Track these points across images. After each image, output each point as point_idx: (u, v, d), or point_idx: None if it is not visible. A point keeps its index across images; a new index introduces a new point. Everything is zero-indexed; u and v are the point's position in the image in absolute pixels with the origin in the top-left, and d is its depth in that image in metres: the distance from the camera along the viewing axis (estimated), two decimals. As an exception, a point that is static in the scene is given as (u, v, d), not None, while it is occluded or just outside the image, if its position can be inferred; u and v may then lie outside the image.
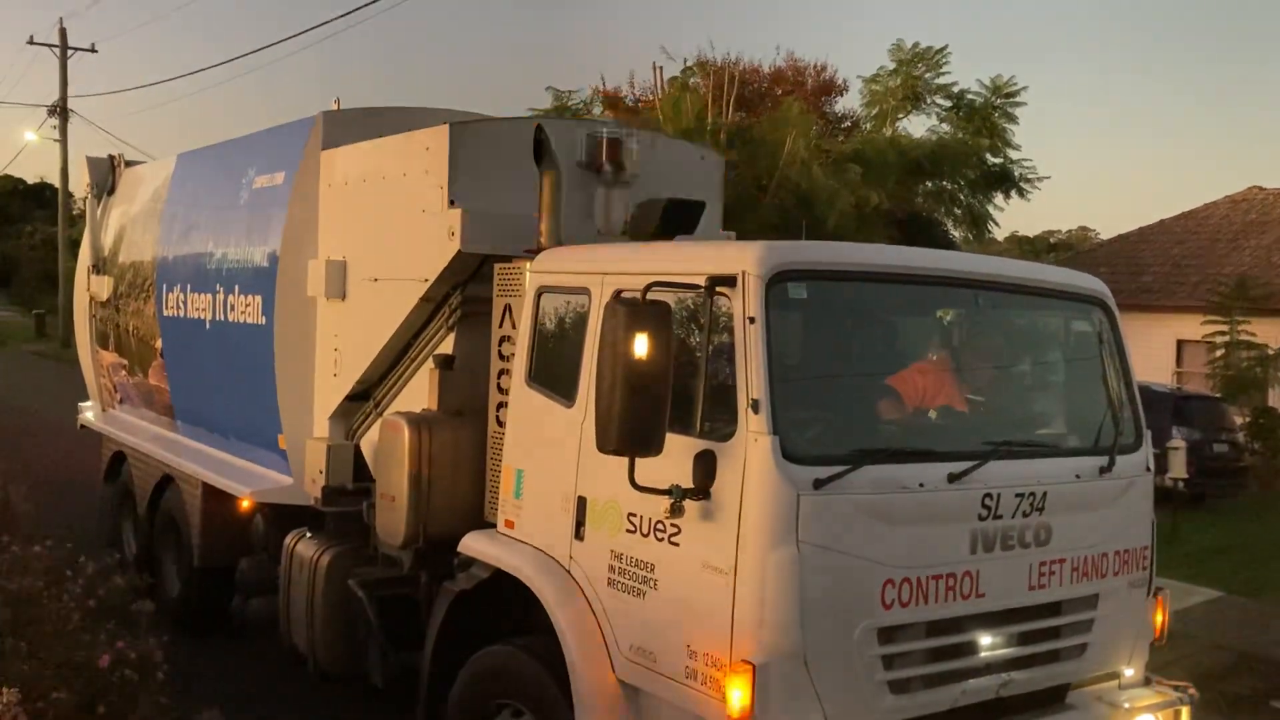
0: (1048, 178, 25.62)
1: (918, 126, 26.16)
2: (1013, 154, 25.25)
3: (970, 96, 25.08)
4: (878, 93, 26.16)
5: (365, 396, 7.64)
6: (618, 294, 5.16)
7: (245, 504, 8.33)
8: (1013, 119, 25.04)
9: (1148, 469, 5.65)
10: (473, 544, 5.85)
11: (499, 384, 6.27)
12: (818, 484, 4.45)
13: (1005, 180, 25.74)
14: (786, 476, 4.40)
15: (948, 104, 25.41)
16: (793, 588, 4.38)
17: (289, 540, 7.64)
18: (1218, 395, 20.58)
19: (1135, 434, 5.67)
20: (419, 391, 7.06)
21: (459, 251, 6.46)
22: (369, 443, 7.58)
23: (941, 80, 25.16)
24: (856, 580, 4.54)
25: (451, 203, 6.56)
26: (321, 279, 7.66)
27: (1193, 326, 22.90)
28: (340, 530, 7.36)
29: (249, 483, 8.24)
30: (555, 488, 5.42)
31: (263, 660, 8.52)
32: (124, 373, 11.06)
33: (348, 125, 7.91)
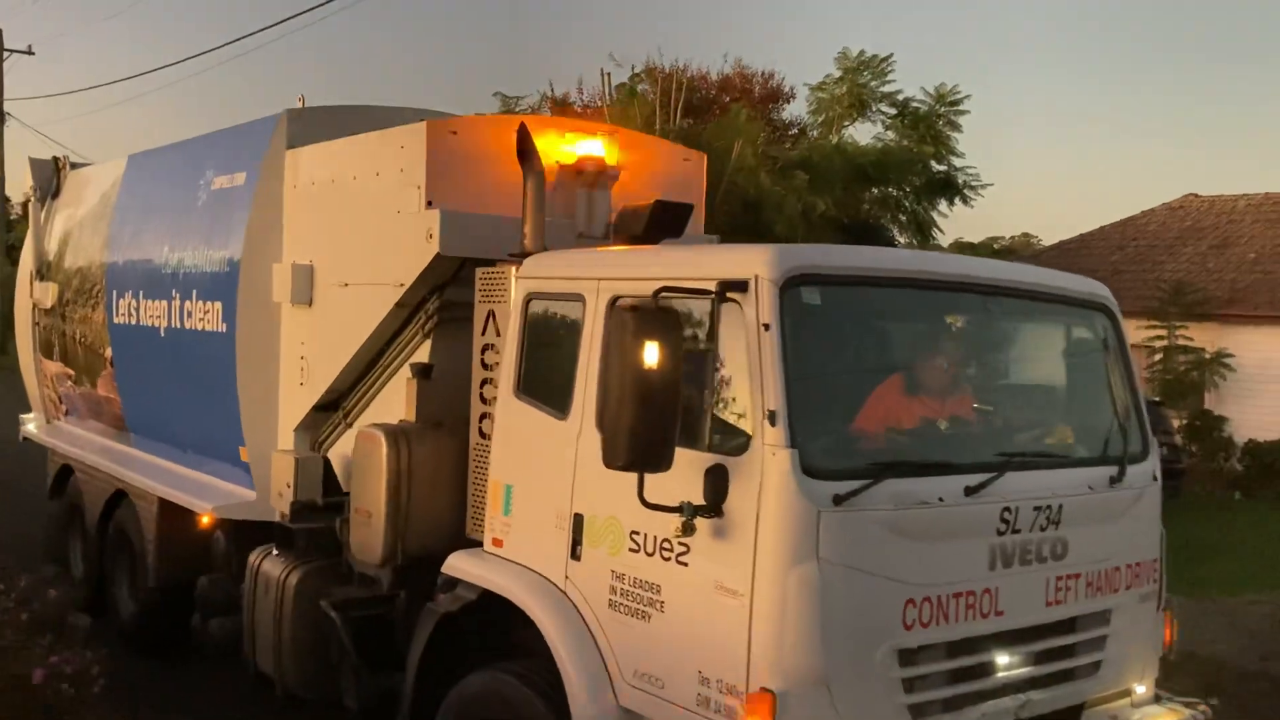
0: (990, 185, 25.81)
1: (863, 134, 26.33)
2: (956, 161, 25.56)
3: (915, 105, 25.35)
4: (824, 100, 26.34)
5: (334, 407, 7.32)
6: (615, 300, 4.93)
7: (205, 520, 7.94)
8: (956, 127, 25.34)
9: (1155, 479, 5.50)
10: (458, 564, 5.55)
11: (481, 394, 5.98)
12: (838, 500, 4.23)
13: (949, 187, 26.03)
14: (806, 492, 4.17)
15: (893, 112, 25.66)
16: (814, 609, 4.14)
17: (253, 558, 7.28)
18: (1156, 399, 20.76)
19: (1142, 443, 5.52)
20: (393, 401, 6.75)
21: (437, 254, 6.18)
22: (339, 455, 7.25)
23: (887, 88, 25.38)
24: (878, 600, 4.32)
25: (429, 203, 6.27)
26: (287, 284, 7.31)
27: (1132, 331, 23.04)
28: (310, 547, 7.02)
29: (209, 498, 7.86)
30: (548, 504, 5.15)
31: (224, 681, 8.12)
32: (70, 383, 10.59)
33: (313, 124, 7.58)
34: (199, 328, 8.07)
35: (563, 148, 6.59)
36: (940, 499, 4.50)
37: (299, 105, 7.86)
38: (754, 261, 4.40)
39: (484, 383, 5.96)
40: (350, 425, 7.21)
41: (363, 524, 6.22)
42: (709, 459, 4.35)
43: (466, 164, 6.44)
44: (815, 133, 27.06)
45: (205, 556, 8.09)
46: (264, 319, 7.55)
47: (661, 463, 4.22)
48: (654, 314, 4.18)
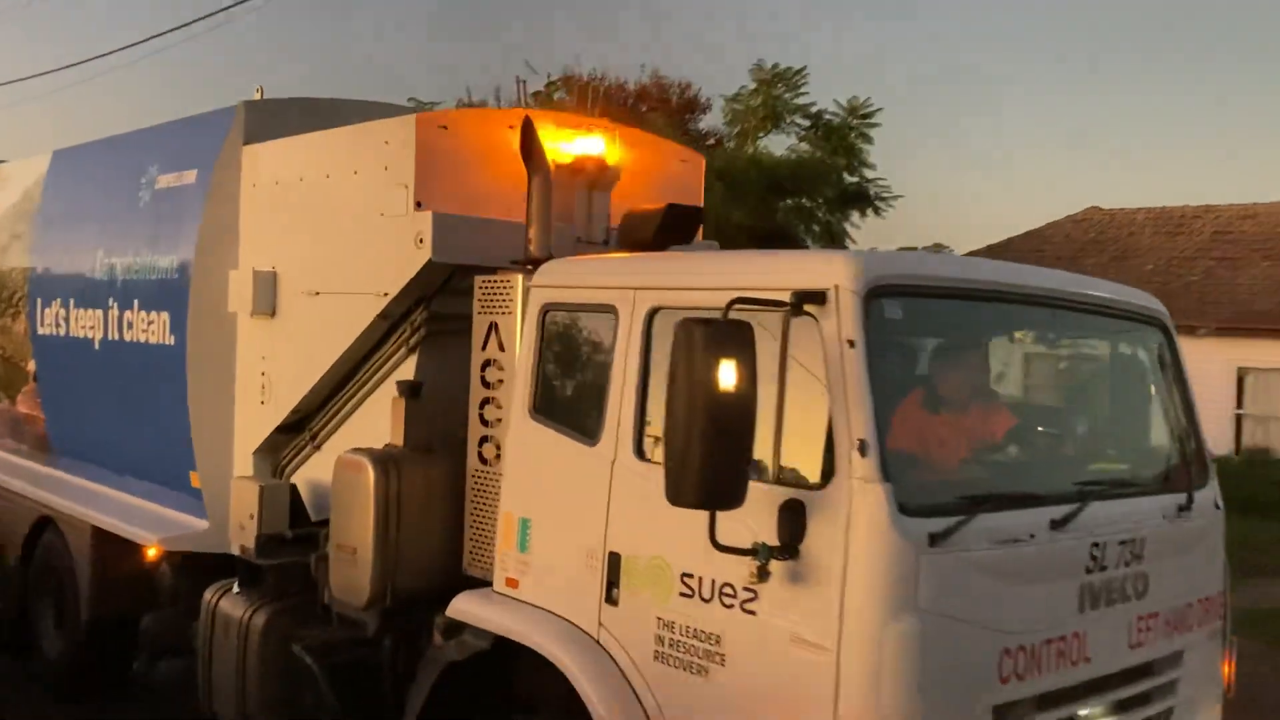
0: (901, 196, 26.43)
1: (778, 145, 26.50)
2: (868, 173, 25.84)
3: (828, 117, 25.55)
4: (739, 112, 26.38)
5: (299, 428, 6.65)
6: (654, 312, 4.41)
7: (151, 552, 7.18)
8: (868, 139, 25.59)
9: (1217, 506, 5.12)
10: (467, 607, 4.95)
11: (482, 415, 5.38)
12: (933, 539, 3.74)
13: (861, 198, 26.30)
14: (903, 532, 3.67)
15: (806, 124, 25.83)
16: (914, 665, 3.64)
17: (209, 596, 6.56)
18: None
19: (1203, 468, 5.15)
20: (370, 422, 6.13)
21: (429, 261, 5.58)
22: (306, 481, 6.60)
23: (800, 100, 25.54)
24: (976, 652, 3.84)
25: (418, 205, 5.67)
26: (246, 292, 6.63)
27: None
28: (277, 585, 6.33)
29: (156, 527, 7.11)
30: (576, 540, 4.59)
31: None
32: (-16, 399, 9.69)
33: (273, 117, 6.92)
34: (142, 340, 7.33)
35: (559, 145, 6.03)
36: (1031, 535, 4.04)
37: (256, 97, 7.17)
38: (833, 269, 3.90)
39: (485, 402, 5.37)
40: (319, 448, 6.55)
41: (346, 561, 5.57)
42: (779, 493, 3.84)
43: (459, 162, 5.85)
44: (731, 144, 27.05)
45: (147, 591, 7.34)
46: (218, 331, 6.86)
47: (736, 499, 3.69)
48: (727, 329, 3.66)
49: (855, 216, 26.28)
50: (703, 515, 3.83)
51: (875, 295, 3.88)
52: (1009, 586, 3.97)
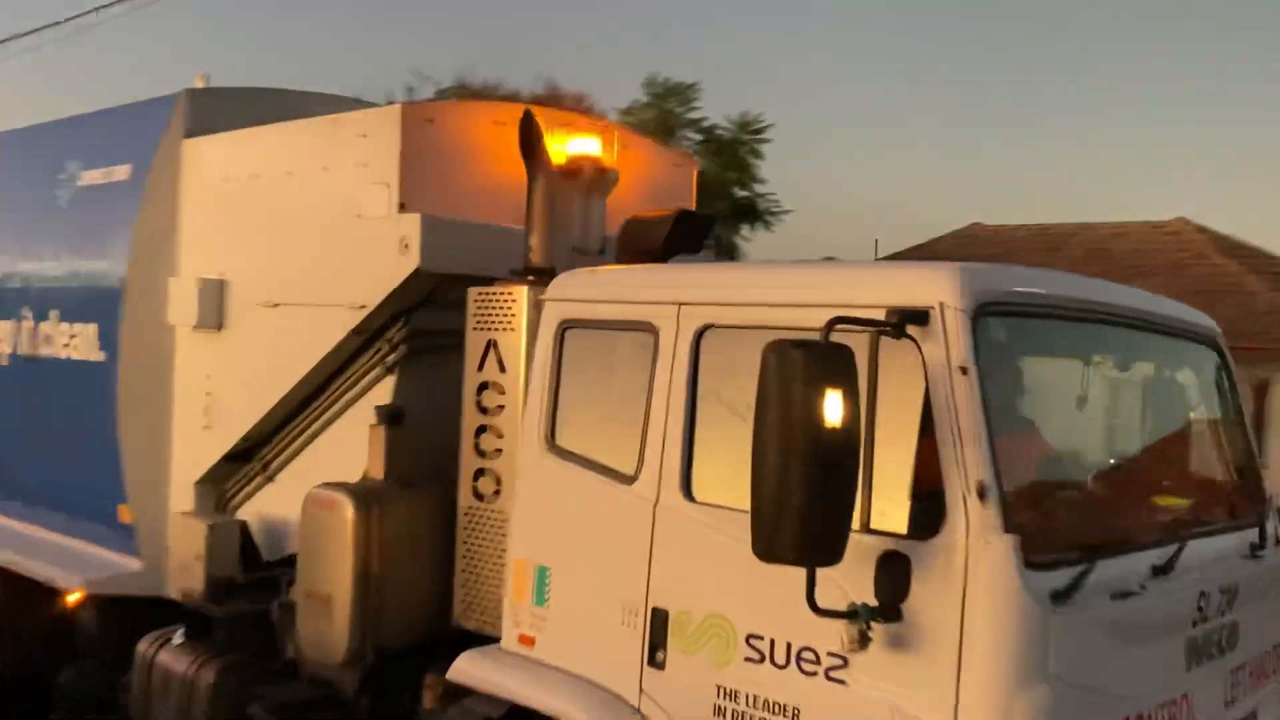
0: (791, 210, 26.76)
1: (670, 159, 26.54)
2: (759, 187, 25.95)
3: (720, 131, 25.62)
4: (631, 125, 26.23)
5: (248, 456, 5.93)
6: (704, 330, 3.85)
7: (73, 597, 6.35)
8: (759, 154, 25.74)
9: (1278, 542, 4.74)
10: (474, 670, 4.30)
11: (478, 445, 4.75)
12: (1057, 597, 3.24)
13: (752, 213, 26.41)
14: (1032, 590, 3.16)
15: (699, 138, 25.84)
16: None
17: (145, 647, 5.78)
18: None
19: (1264, 500, 4.76)
20: (335, 451, 5.48)
21: (417, 269, 4.94)
22: (256, 516, 5.88)
23: (693, 115, 25.58)
24: None
25: (403, 206, 5.03)
26: (190, 303, 5.90)
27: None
28: (229, 635, 5.58)
29: (77, 568, 6.30)
30: (609, 593, 3.99)
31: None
32: None
33: (219, 108, 6.22)
34: (63, 355, 6.52)
35: (553, 146, 5.43)
36: (1142, 586, 3.57)
37: (199, 85, 6.43)
38: (936, 284, 3.37)
39: (481, 430, 4.74)
40: (271, 479, 5.86)
41: (318, 612, 4.87)
42: (874, 544, 3.29)
43: (446, 159, 5.23)
44: (624, 156, 26.96)
45: (67, 639, 6.49)
46: (155, 346, 6.13)
47: (837, 552, 3.14)
48: (829, 354, 3.10)
49: (746, 230, 26.40)
50: (775, 567, 3.28)
51: (983, 314, 3.37)
52: (1125, 646, 3.49)
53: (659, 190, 6.06)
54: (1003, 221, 28.12)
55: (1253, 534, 4.43)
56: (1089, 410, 4.04)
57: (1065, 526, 3.61)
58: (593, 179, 5.54)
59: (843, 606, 3.24)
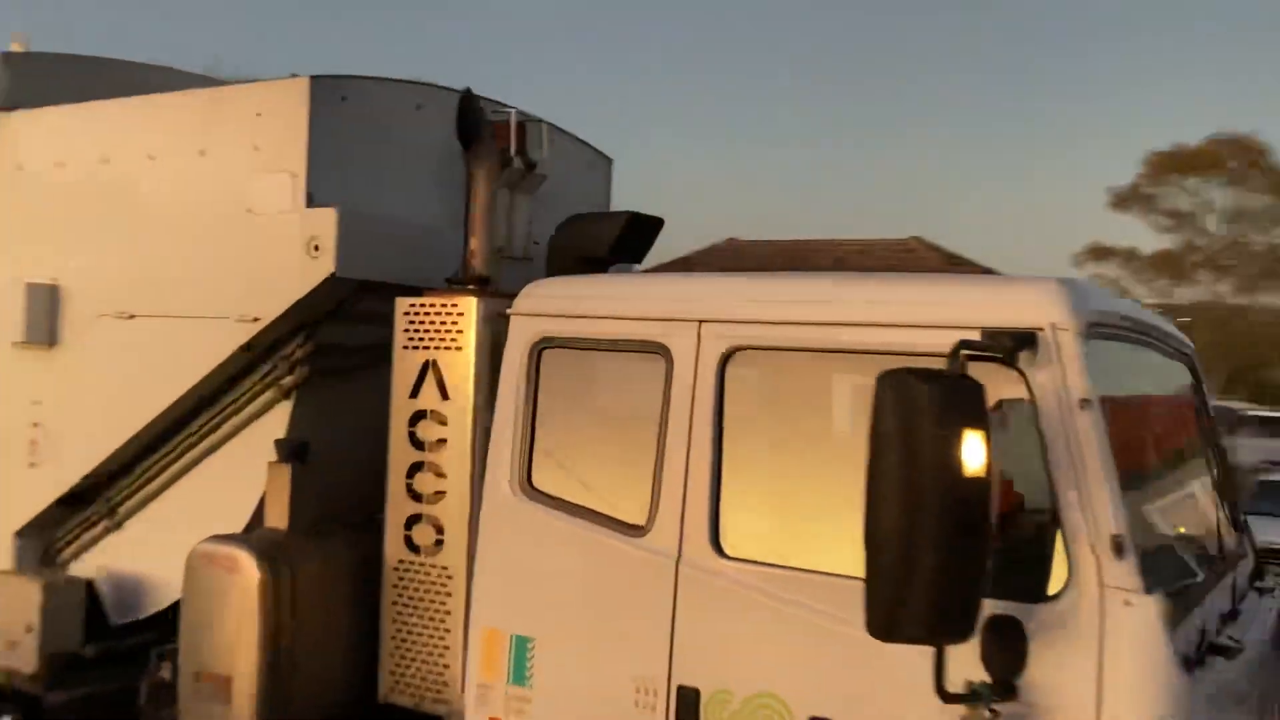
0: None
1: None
2: None
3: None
4: None
5: (87, 498, 4.90)
6: (733, 352, 3.25)
7: None
8: None
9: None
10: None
11: (410, 486, 3.98)
12: (1188, 663, 2.81)
13: None
14: (1178, 658, 2.71)
15: None
16: None
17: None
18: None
19: (1246, 530, 4.54)
20: (210, 493, 4.58)
21: (332, 275, 4.12)
22: (101, 571, 4.87)
23: None
24: None
25: (310, 198, 4.20)
26: (14, 314, 4.83)
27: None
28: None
29: None
30: (615, 669, 3.32)
31: None
32: None
33: (44, 77, 5.18)
34: None
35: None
36: (1234, 640, 3.20)
37: (16, 49, 5.32)
38: (1043, 302, 2.88)
39: (416, 468, 3.97)
40: (120, 526, 4.87)
41: (210, 698, 3.95)
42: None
43: (361, 145, 4.41)
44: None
45: None
46: (-39, 366, 4.98)
47: (972, 626, 2.59)
48: (963, 389, 2.56)
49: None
50: (847, 634, 2.74)
51: (1092, 337, 2.91)
52: (1230, 709, 3.11)
53: (575, 189, 5.41)
54: (757, 238, 28.79)
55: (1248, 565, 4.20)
56: (1156, 442, 3.66)
57: (1180, 579, 3.19)
58: (517, 175, 4.87)
59: (959, 688, 2.70)
